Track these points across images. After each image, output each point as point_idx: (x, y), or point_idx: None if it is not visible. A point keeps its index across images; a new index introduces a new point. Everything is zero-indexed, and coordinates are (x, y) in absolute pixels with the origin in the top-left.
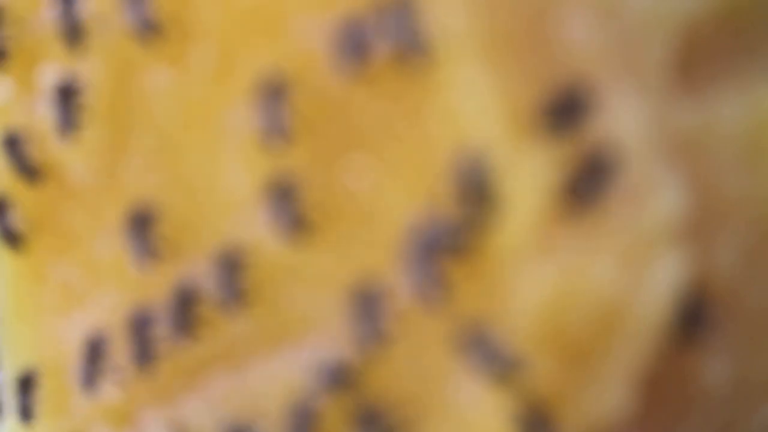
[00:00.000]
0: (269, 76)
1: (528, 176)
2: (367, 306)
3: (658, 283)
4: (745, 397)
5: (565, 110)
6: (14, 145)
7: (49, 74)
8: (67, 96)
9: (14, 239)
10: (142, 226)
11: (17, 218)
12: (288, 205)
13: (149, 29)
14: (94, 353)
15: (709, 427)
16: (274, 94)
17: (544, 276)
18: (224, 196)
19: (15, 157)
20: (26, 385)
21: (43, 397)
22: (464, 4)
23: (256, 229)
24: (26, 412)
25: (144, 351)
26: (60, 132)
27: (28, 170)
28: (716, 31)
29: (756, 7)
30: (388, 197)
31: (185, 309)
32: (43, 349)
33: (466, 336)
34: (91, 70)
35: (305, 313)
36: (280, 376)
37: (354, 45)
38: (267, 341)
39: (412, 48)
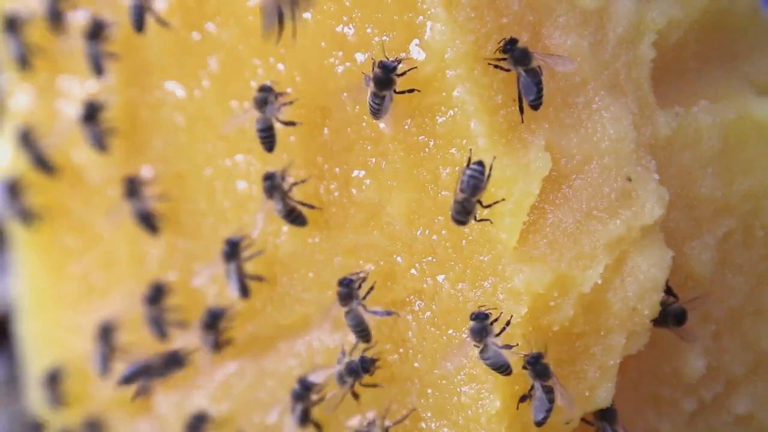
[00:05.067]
0: (271, 87)
1: (517, 183)
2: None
3: (640, 277)
4: (718, 384)
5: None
6: (31, 143)
7: (72, 87)
8: (90, 111)
9: (28, 219)
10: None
11: (31, 201)
12: (286, 205)
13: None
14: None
15: (682, 410)
16: (275, 104)
17: (537, 273)
18: (233, 196)
19: (31, 154)
20: (54, 378)
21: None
22: (453, 26)
23: (263, 225)
24: (54, 403)
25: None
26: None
27: (43, 164)
28: (690, 41)
29: (727, 20)
30: (384, 202)
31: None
32: (63, 342)
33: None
34: (109, 82)
35: (309, 306)
36: (288, 362)
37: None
38: (278, 332)
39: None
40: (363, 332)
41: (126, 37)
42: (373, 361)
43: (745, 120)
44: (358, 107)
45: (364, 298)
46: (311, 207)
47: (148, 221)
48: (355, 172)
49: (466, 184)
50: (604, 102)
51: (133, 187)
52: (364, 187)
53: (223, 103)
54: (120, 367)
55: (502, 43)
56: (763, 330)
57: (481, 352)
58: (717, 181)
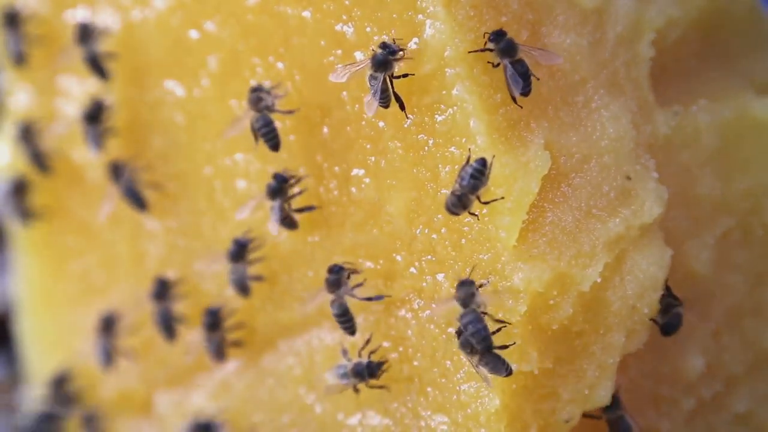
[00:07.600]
0: (269, 87)
1: (516, 181)
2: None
3: (639, 276)
4: (717, 383)
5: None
6: (30, 140)
7: (71, 86)
8: (91, 112)
9: (27, 218)
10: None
11: (31, 201)
12: (285, 204)
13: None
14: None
15: (682, 409)
16: (269, 99)
17: (536, 271)
18: (233, 194)
19: (29, 151)
20: (61, 380)
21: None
22: (453, 24)
23: (264, 224)
24: (62, 403)
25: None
26: (83, 144)
27: (39, 162)
28: (689, 40)
29: (726, 19)
30: (383, 200)
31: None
32: (63, 342)
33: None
34: (110, 83)
35: (309, 305)
36: (288, 361)
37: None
38: (278, 331)
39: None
40: (347, 322)
41: (125, 36)
42: (380, 365)
43: (744, 119)
44: (357, 106)
45: (353, 288)
46: (311, 209)
47: (136, 197)
48: (355, 171)
49: (467, 181)
50: (604, 101)
51: (117, 170)
52: (363, 185)
53: (222, 102)
54: (122, 363)
55: (488, 36)
56: (762, 329)
57: (480, 359)
58: (716, 180)
